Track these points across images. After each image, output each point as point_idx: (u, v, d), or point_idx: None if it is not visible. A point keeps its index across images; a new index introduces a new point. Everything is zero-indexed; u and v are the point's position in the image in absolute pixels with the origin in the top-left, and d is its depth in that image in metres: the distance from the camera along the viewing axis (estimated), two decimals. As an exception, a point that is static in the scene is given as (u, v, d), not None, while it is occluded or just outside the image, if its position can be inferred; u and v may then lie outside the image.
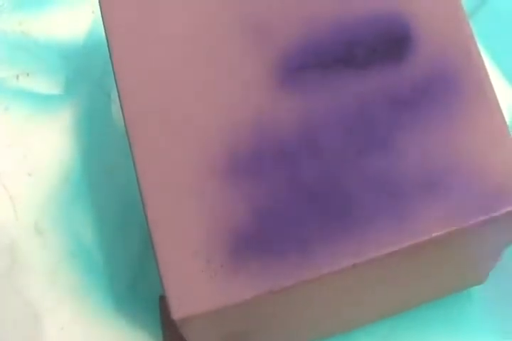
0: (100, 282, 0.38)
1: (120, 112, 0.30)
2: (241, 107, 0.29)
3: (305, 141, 0.28)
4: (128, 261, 0.38)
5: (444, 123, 0.28)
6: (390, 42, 0.29)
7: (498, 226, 0.28)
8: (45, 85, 0.43)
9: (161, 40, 0.30)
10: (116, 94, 0.30)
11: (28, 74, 0.43)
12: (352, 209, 0.27)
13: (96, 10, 0.37)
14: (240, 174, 0.28)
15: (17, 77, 0.43)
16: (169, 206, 0.28)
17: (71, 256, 0.39)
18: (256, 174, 0.28)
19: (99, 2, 0.31)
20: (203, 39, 0.30)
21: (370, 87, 0.28)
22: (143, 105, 0.29)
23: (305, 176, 0.28)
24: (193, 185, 0.28)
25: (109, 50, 0.30)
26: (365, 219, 0.27)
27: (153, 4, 0.30)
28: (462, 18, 0.29)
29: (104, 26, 0.30)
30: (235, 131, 0.29)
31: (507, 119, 0.40)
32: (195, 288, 0.27)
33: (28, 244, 0.39)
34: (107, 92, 0.42)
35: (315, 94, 0.29)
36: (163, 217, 0.28)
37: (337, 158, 0.28)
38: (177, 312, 0.27)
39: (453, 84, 0.28)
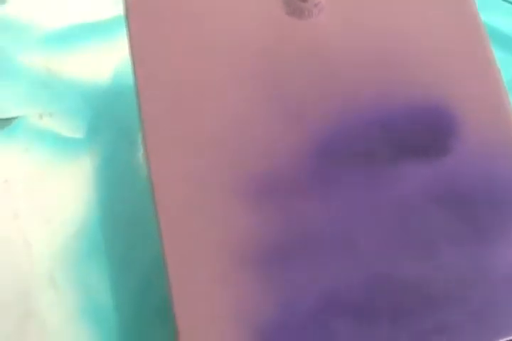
0: (110, 344, 0.37)
1: (143, 161, 0.29)
2: (271, 202, 0.28)
3: (339, 238, 0.27)
4: (141, 326, 0.37)
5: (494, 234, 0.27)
6: (433, 137, 0.28)
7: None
8: (68, 127, 0.42)
9: (197, 116, 0.29)
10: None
11: (51, 115, 0.42)
12: (385, 319, 0.26)
13: (122, 55, 0.37)
14: (271, 265, 0.27)
15: (40, 116, 0.42)
16: (195, 293, 0.27)
17: (83, 313, 0.38)
18: (286, 267, 0.27)
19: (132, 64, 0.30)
20: (238, 116, 0.29)
21: (413, 185, 0.27)
22: (170, 175, 0.29)
23: (338, 275, 0.27)
24: (222, 273, 0.27)
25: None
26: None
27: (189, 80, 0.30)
28: (507, 107, 0.28)
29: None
30: (267, 224, 0.28)
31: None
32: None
33: (42, 298, 0.38)
34: (131, 140, 0.41)
35: (350, 189, 0.28)
36: (188, 305, 0.27)
37: (373, 261, 0.27)
38: None
39: (501, 181, 0.27)
